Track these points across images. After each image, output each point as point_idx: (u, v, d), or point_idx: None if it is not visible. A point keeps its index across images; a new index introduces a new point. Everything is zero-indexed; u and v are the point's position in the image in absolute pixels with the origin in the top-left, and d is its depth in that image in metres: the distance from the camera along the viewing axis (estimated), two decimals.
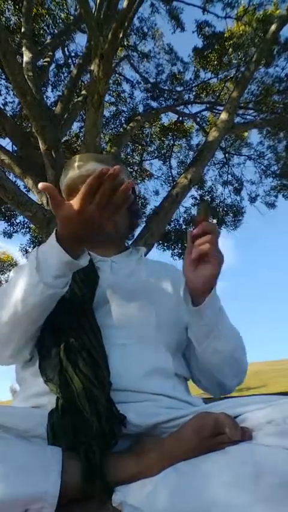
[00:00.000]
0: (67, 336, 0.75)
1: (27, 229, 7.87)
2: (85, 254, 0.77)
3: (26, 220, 7.58)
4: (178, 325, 0.89)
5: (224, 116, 5.41)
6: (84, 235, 0.73)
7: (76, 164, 0.73)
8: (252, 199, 8.55)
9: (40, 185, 0.69)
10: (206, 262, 0.76)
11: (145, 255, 1.09)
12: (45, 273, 0.72)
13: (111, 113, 8.20)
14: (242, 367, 0.89)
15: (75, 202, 0.68)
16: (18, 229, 7.89)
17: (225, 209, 8.38)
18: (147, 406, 0.71)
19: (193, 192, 8.28)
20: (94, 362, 0.72)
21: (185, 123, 8.39)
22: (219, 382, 0.89)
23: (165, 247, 8.00)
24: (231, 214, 8.37)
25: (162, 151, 8.56)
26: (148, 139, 8.57)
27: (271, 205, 8.50)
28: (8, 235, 7.84)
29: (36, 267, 0.72)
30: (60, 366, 0.71)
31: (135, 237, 4.86)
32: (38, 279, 0.72)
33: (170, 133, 8.32)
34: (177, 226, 8.29)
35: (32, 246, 7.99)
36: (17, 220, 7.84)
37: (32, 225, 7.67)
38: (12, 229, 7.83)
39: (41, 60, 6.51)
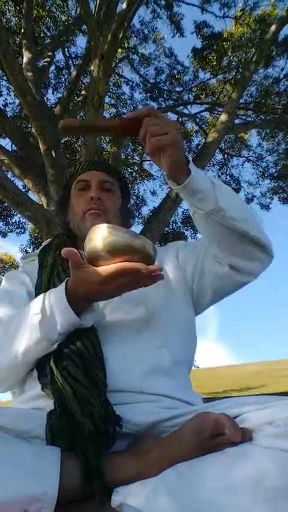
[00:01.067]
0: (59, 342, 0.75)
1: (22, 230, 7.89)
2: (91, 308, 0.75)
3: (22, 220, 7.63)
4: (175, 310, 0.88)
5: (223, 116, 5.42)
6: (96, 299, 0.74)
7: (104, 233, 0.69)
8: (249, 201, 8.57)
9: (63, 251, 0.68)
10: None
11: None
12: (50, 329, 0.71)
13: (112, 115, 8.21)
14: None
15: (100, 273, 0.67)
16: (14, 229, 7.91)
17: None
18: (147, 406, 0.70)
19: None
20: (86, 365, 0.71)
21: (185, 124, 8.39)
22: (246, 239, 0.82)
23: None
24: None
25: None
26: None
27: (266, 207, 8.54)
28: (3, 234, 7.87)
29: (41, 321, 0.72)
30: (51, 374, 0.71)
31: None
32: (42, 337, 0.72)
33: None
34: (175, 228, 8.30)
35: (32, 246, 8.00)
36: (13, 220, 7.87)
37: (27, 226, 7.71)
38: (7, 228, 7.85)
39: (41, 60, 6.51)
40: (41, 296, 0.76)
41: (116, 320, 0.83)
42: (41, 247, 1.04)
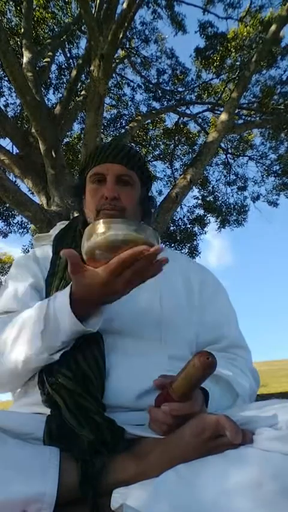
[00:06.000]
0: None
1: (26, 230, 7.88)
2: (99, 312, 0.72)
3: (24, 220, 7.63)
4: (184, 331, 0.86)
5: (223, 116, 5.41)
6: (101, 302, 0.70)
7: (101, 229, 0.64)
8: (255, 199, 8.56)
9: (63, 252, 0.65)
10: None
11: None
12: (53, 338, 0.69)
13: (113, 116, 8.21)
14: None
15: (102, 273, 0.64)
16: (16, 229, 7.91)
17: (229, 208, 8.41)
18: (145, 422, 0.68)
19: (196, 192, 8.30)
20: (84, 376, 0.70)
21: (188, 126, 8.38)
22: None
23: (171, 248, 8.02)
24: (235, 213, 8.39)
25: (166, 154, 8.54)
26: (153, 143, 8.55)
27: (274, 204, 8.49)
28: (4, 234, 7.85)
29: (43, 331, 0.69)
30: (42, 385, 0.71)
31: None
32: (43, 348, 0.69)
33: (173, 137, 8.28)
34: (182, 226, 8.28)
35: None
36: (15, 221, 7.87)
37: (30, 226, 7.70)
38: (8, 229, 7.84)
39: (42, 60, 6.51)
40: (45, 301, 0.73)
41: (127, 328, 0.79)
42: (57, 230, 1.01)
